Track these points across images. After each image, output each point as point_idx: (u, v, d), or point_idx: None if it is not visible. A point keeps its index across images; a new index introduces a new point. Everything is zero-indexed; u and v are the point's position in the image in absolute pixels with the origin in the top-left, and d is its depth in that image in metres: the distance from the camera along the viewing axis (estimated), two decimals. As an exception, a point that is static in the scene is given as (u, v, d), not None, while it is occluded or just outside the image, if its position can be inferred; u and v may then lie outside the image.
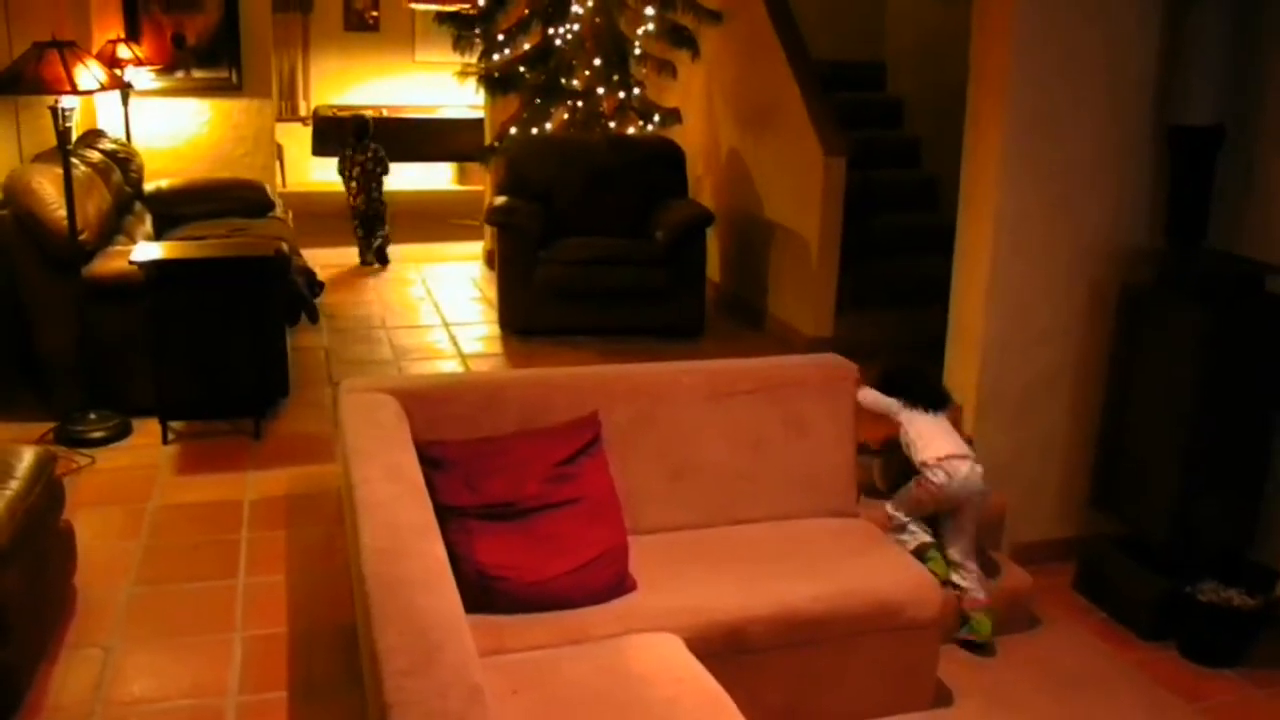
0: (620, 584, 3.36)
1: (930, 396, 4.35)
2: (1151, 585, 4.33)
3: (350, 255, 9.09)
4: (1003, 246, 4.61)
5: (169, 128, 8.78)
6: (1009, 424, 4.77)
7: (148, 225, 7.06)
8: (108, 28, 8.32)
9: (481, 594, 3.14)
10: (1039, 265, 4.66)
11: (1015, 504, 4.68)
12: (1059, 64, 4.50)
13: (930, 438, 4.16)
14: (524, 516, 3.34)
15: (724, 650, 3.26)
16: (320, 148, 11.69)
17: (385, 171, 9.05)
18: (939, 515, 4.14)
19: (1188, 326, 4.23)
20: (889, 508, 4.20)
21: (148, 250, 5.57)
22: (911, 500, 4.13)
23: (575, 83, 7.56)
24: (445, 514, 3.18)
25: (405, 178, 12.27)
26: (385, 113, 12.36)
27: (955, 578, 4.07)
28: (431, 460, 3.35)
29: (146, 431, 5.45)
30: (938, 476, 4.02)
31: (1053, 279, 4.69)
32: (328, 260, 8.66)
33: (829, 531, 3.87)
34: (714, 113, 7.97)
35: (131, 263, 5.35)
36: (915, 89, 7.77)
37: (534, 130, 7.61)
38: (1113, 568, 4.52)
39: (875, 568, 3.63)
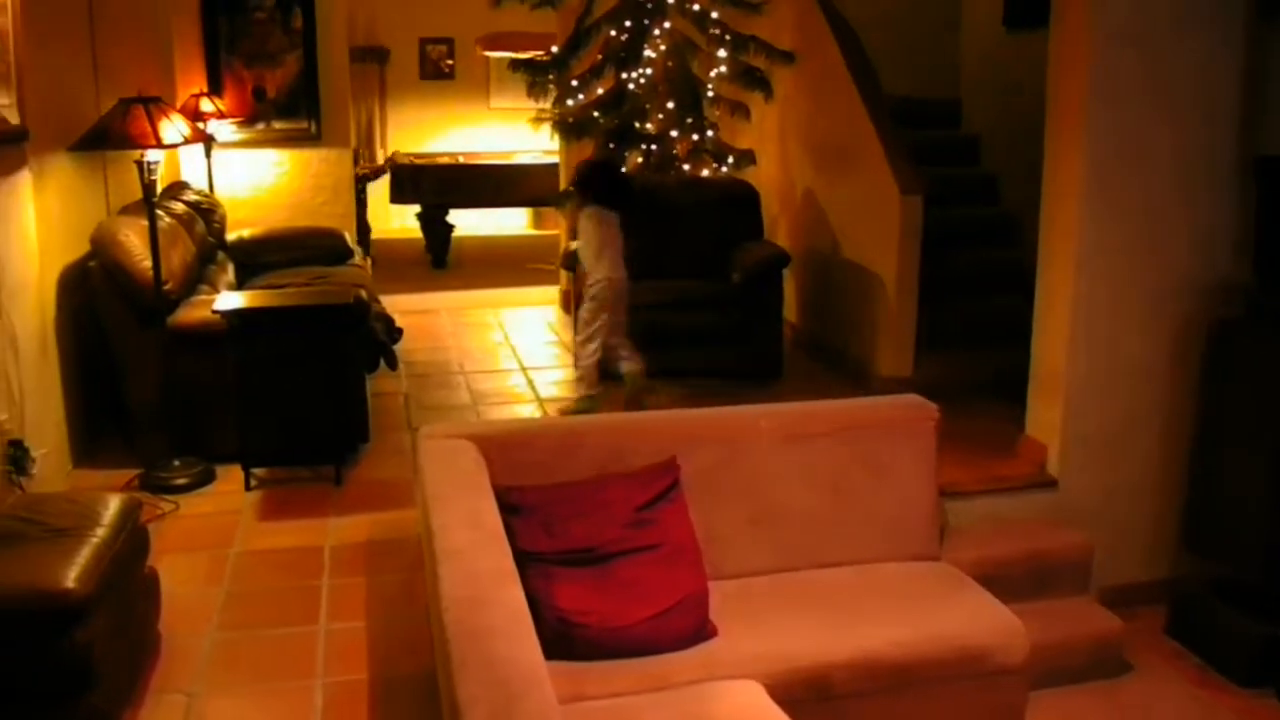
0: (701, 630, 3.33)
1: (618, 198, 5.72)
2: (1249, 630, 4.22)
3: (429, 301, 9.15)
4: (1085, 283, 4.54)
5: (250, 178, 8.93)
6: (1095, 465, 4.69)
7: (230, 274, 7.17)
8: (191, 82, 8.51)
9: (561, 641, 3.13)
10: (1123, 301, 4.58)
11: (1104, 546, 4.58)
12: (1138, 96, 4.45)
13: (598, 252, 5.69)
14: (604, 562, 3.32)
15: (806, 697, 3.21)
16: (398, 195, 11.82)
17: None
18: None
19: (1280, 362, 4.14)
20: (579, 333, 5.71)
21: (230, 299, 5.65)
22: (590, 314, 5.73)
23: (649, 126, 7.58)
24: (524, 560, 3.17)
25: (482, 223, 12.39)
26: (461, 159, 12.49)
27: (623, 363, 5.61)
28: (510, 506, 3.35)
29: (229, 478, 5.51)
30: (606, 294, 5.67)
31: (1137, 315, 4.61)
32: (407, 306, 8.74)
33: (911, 575, 3.81)
34: (788, 153, 7.95)
35: (214, 312, 5.43)
36: (991, 125, 7.70)
37: (609, 174, 7.62)
38: (1207, 612, 4.41)
39: (960, 612, 3.56)
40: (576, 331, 5.82)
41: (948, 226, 6.83)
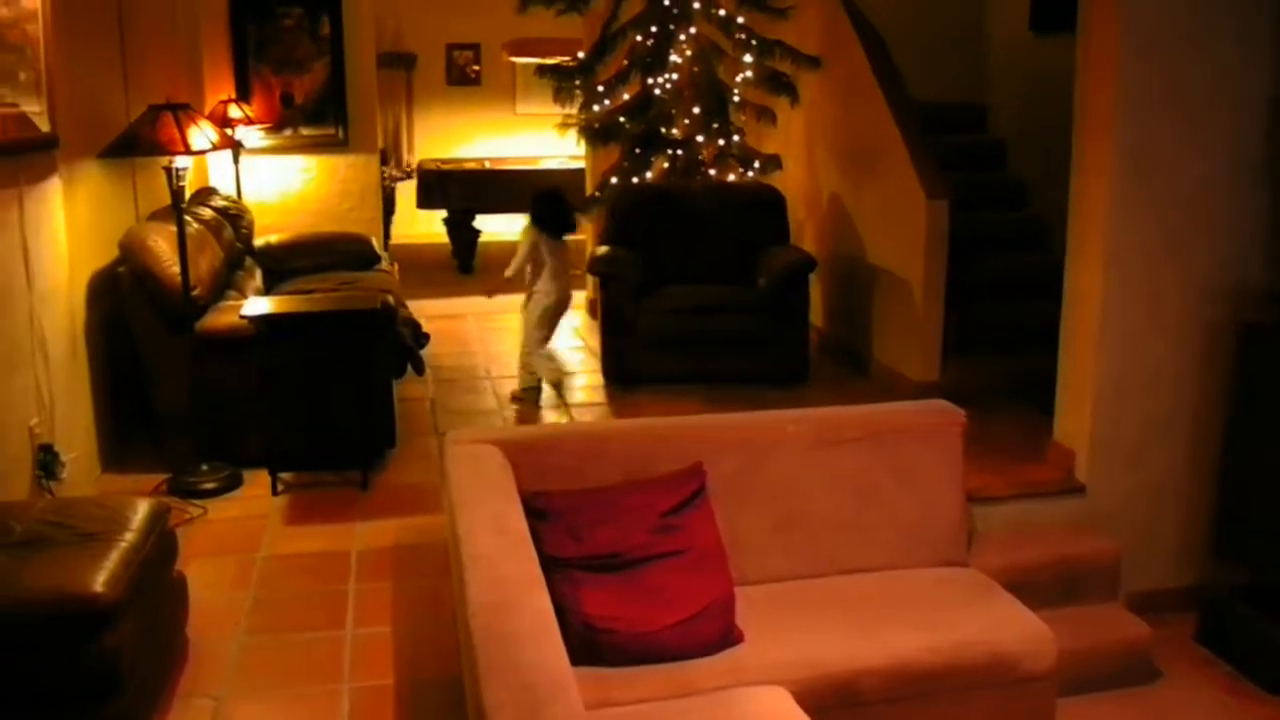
0: (727, 636, 3.32)
1: (556, 226, 6.69)
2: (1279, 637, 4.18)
3: (456, 306, 9.17)
4: (1113, 287, 4.52)
5: (278, 184, 8.98)
6: (1124, 469, 4.66)
7: (258, 280, 7.20)
8: (220, 89, 8.55)
9: (587, 646, 3.12)
10: (1151, 305, 4.55)
11: (1131, 551, 4.55)
12: (1166, 99, 4.42)
13: (553, 271, 6.67)
14: (630, 568, 3.31)
15: (834, 703, 3.20)
16: (424, 201, 11.86)
17: None
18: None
19: (1311, 367, 4.10)
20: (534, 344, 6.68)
21: (257, 305, 5.67)
22: (541, 323, 6.70)
23: (675, 132, 7.58)
24: (551, 565, 3.17)
25: (508, 228, 12.38)
26: (488, 165, 12.51)
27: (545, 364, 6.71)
28: (537, 511, 3.34)
29: (257, 483, 5.53)
30: (550, 298, 6.66)
31: (1166, 319, 4.58)
32: (434, 311, 8.76)
33: (939, 581, 3.79)
34: (814, 158, 7.93)
35: (242, 317, 5.45)
36: (1018, 130, 7.67)
37: (634, 179, 7.63)
38: (1237, 618, 4.37)
39: (989, 619, 3.54)
40: (524, 334, 6.85)
41: (974, 231, 6.81)
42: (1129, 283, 4.52)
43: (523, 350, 6.85)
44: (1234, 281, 4.59)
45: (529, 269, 6.75)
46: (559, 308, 6.81)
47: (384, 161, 11.50)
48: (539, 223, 6.70)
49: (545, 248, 6.68)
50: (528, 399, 6.76)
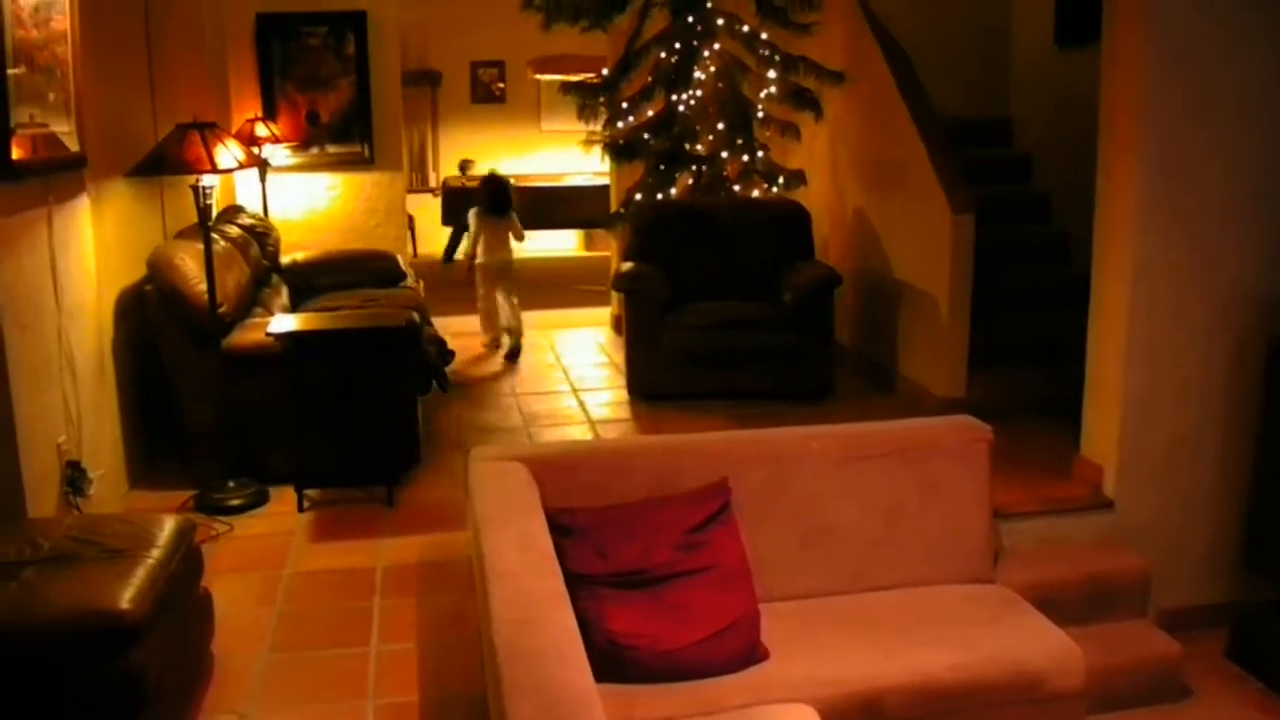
0: (752, 653, 3.31)
1: (494, 205, 8.41)
2: (1312, 654, 4.14)
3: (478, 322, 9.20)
4: (1140, 300, 4.49)
5: (304, 201, 9.01)
6: (1153, 483, 4.63)
7: (284, 297, 7.22)
8: (246, 108, 8.60)
9: (612, 663, 3.11)
10: (1179, 317, 4.52)
11: (1161, 566, 4.51)
12: (1191, 111, 4.40)
13: (484, 245, 8.46)
14: (655, 585, 3.30)
15: (860, 721, 3.18)
16: (450, 217, 11.90)
17: None
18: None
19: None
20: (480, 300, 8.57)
21: (284, 322, 5.69)
22: (480, 285, 8.55)
23: (699, 148, 7.59)
24: (576, 582, 3.16)
25: (533, 244, 12.42)
26: (513, 181, 12.55)
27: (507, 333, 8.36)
28: (562, 528, 3.34)
29: (283, 499, 5.54)
30: (482, 259, 8.42)
31: (1194, 331, 4.55)
32: (459, 328, 8.77)
33: (966, 598, 3.77)
34: (839, 173, 7.92)
35: (268, 335, 5.47)
36: (1043, 143, 7.65)
37: (659, 196, 7.64)
38: (1269, 635, 4.32)
39: (1016, 636, 3.51)
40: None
41: (1000, 245, 6.78)
42: (1156, 296, 4.49)
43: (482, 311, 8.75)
44: (1262, 293, 4.56)
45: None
46: (492, 269, 8.51)
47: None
48: (480, 203, 8.52)
49: (485, 224, 8.48)
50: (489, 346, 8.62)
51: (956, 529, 3.92)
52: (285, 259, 7.80)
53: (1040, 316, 6.70)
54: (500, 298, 8.51)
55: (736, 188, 7.60)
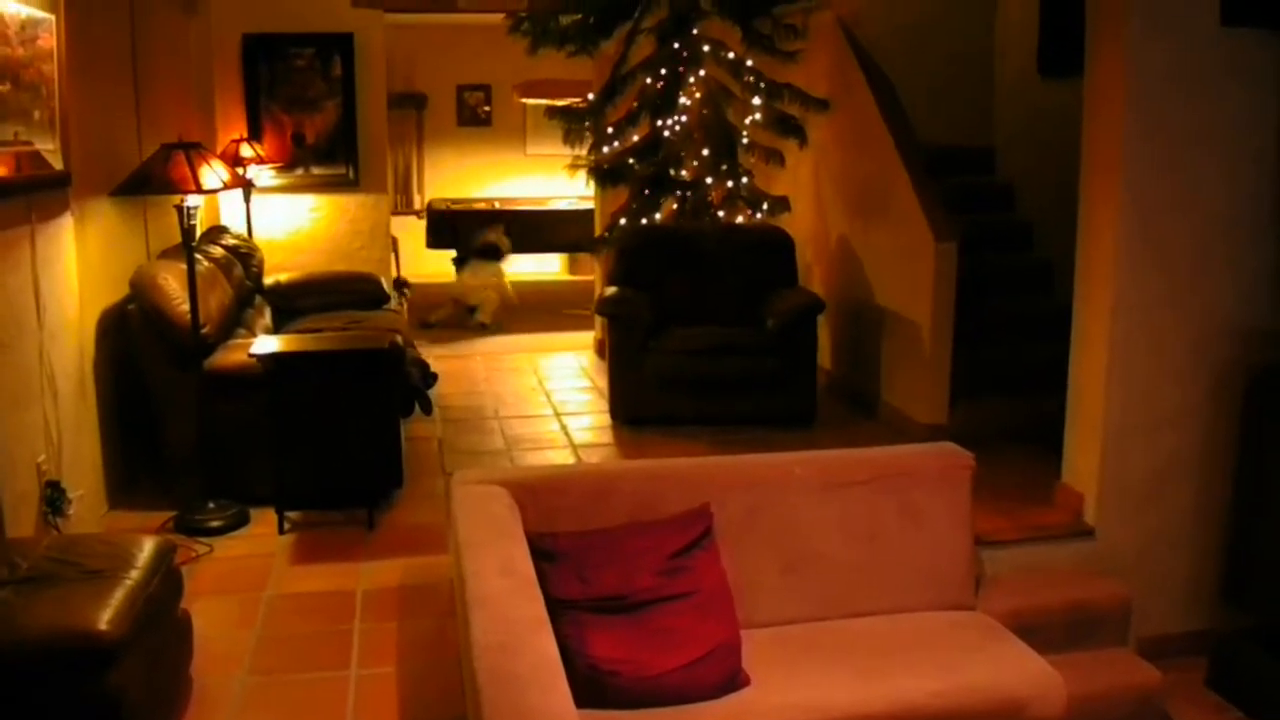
0: (733, 679, 3.30)
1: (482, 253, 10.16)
2: (1290, 683, 4.15)
3: (464, 346, 9.19)
4: (1121, 330, 4.51)
5: (288, 223, 8.99)
6: (1133, 513, 4.64)
7: (267, 318, 7.21)
8: (231, 128, 8.60)
9: (593, 689, 3.10)
10: (1160, 348, 4.55)
11: (1141, 595, 4.52)
12: (1175, 143, 4.43)
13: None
14: (636, 610, 3.30)
15: (841, 749, 3.17)
16: (434, 241, 11.89)
17: None
18: None
19: (1320, 412, 4.08)
20: None
21: (266, 343, 5.68)
22: None
23: (684, 173, 7.60)
24: (557, 607, 3.16)
25: (518, 267, 12.44)
26: (498, 205, 12.57)
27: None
28: (543, 553, 3.33)
29: (264, 521, 5.51)
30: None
31: (1175, 362, 4.57)
32: (442, 351, 8.76)
33: (947, 625, 3.77)
34: (823, 200, 7.95)
35: (251, 356, 5.46)
36: (1025, 173, 7.68)
37: (643, 220, 7.65)
38: (1249, 664, 4.34)
39: (996, 663, 3.52)
40: None
41: (982, 273, 6.81)
42: (1137, 325, 4.52)
43: None
44: (1246, 322, 4.59)
45: None
46: None
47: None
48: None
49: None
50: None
51: (938, 555, 3.92)
52: (268, 280, 7.80)
53: (1022, 345, 6.72)
54: None
55: (721, 213, 7.62)
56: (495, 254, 10.60)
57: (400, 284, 9.65)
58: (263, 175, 8.67)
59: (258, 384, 5.46)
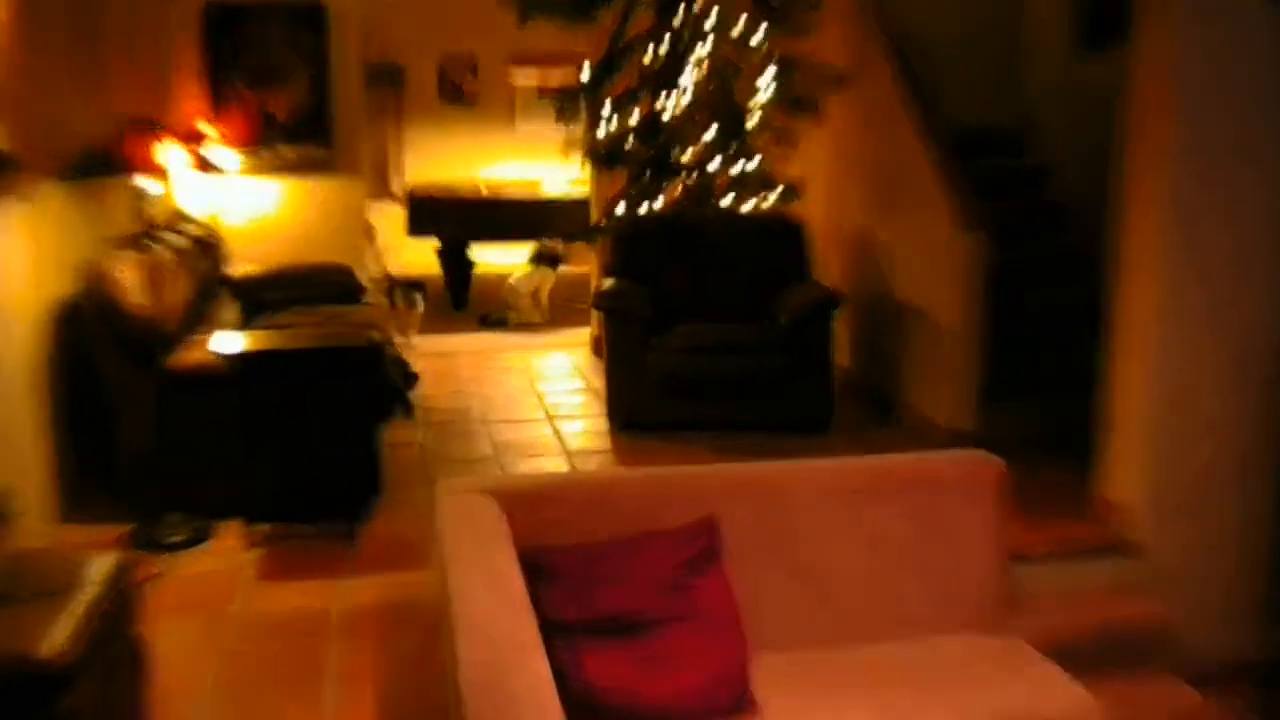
0: (740, 707, 3.31)
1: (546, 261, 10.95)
2: (1345, 710, 4.17)
3: (448, 343, 9.19)
4: (1165, 333, 4.54)
5: (254, 208, 8.99)
6: (1175, 527, 4.66)
7: (233, 313, 7.22)
8: (192, 106, 8.59)
9: (589, 715, 3.11)
10: (1205, 352, 4.57)
11: (1182, 613, 4.54)
12: (1224, 135, 4.44)
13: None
14: (635, 631, 3.31)
15: (858, 782, 3.18)
16: (416, 229, 11.89)
17: None
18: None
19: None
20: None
21: (231, 340, 5.68)
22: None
23: (687, 155, 7.61)
24: (550, 627, 3.16)
25: (507, 258, 12.45)
26: (484, 192, 12.57)
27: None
28: (535, 568, 3.34)
29: (229, 535, 5.52)
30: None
31: (1221, 366, 4.59)
32: (425, 349, 8.78)
33: (974, 649, 3.78)
34: (839, 185, 7.97)
35: (215, 353, 5.46)
36: (1059, 155, 7.70)
37: (643, 207, 7.66)
38: (1299, 690, 4.36)
39: (1029, 689, 3.53)
40: None
41: (1014, 263, 6.81)
42: (1181, 329, 4.54)
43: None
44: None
45: None
46: None
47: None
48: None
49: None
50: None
51: (965, 573, 3.93)
52: (234, 271, 7.80)
53: (1057, 341, 6.73)
54: None
55: (727, 200, 7.63)
56: (554, 262, 11.29)
57: (411, 286, 9.95)
58: (227, 157, 8.67)
59: (222, 384, 5.45)
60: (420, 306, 9.80)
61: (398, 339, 8.27)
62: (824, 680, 3.53)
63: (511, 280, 11.03)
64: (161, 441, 5.55)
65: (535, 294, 11.08)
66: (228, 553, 5.40)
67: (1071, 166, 7.44)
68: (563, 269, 11.47)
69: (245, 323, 7.11)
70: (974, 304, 6.26)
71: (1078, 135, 7.24)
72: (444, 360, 8.90)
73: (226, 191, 8.76)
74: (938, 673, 3.60)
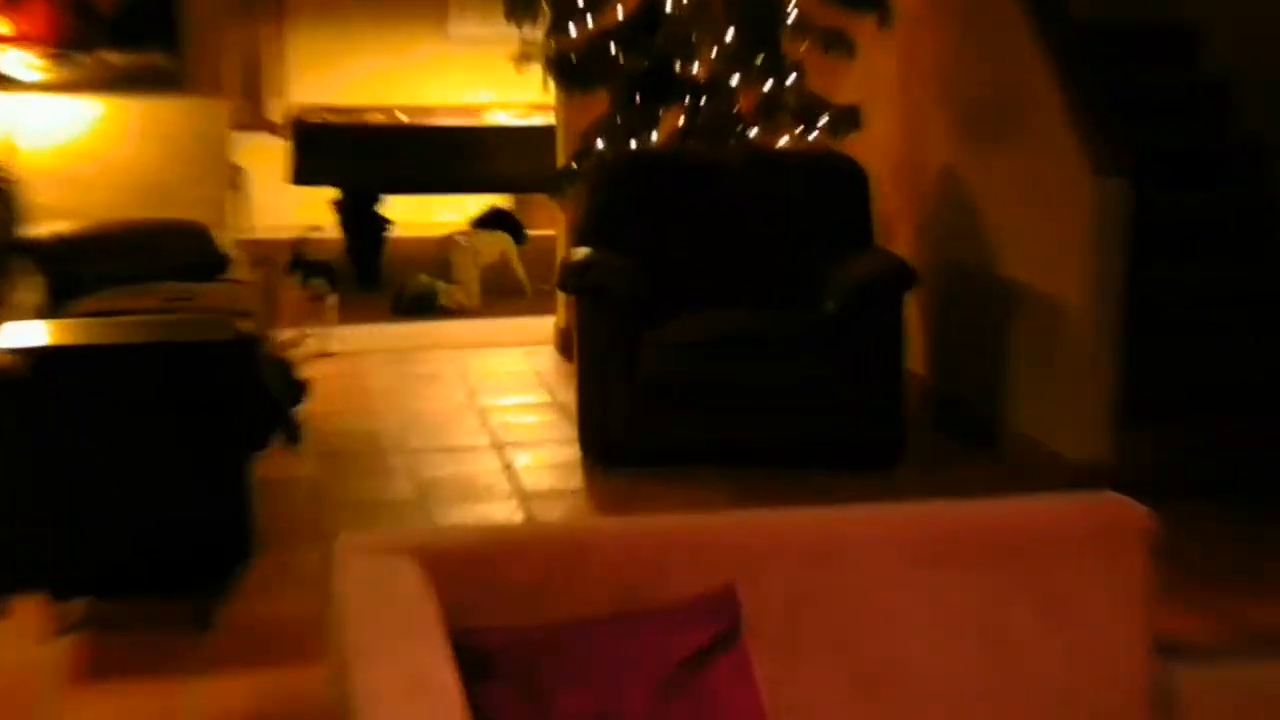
0: None
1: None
2: None
3: (350, 337, 9.22)
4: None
5: (66, 141, 8.97)
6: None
7: (34, 292, 7.20)
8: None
9: None
10: None
11: None
12: None
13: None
14: (617, 754, 3.33)
15: None
16: (304, 173, 11.87)
17: None
18: None
19: None
20: None
21: (26, 332, 5.66)
22: None
23: (695, 69, 7.62)
24: (495, 746, 3.18)
25: (434, 216, 12.48)
26: (402, 118, 12.57)
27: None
28: (474, 662, 3.36)
29: (25, 616, 5.50)
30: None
31: None
32: (316, 345, 8.79)
33: (1109, 780, 3.80)
34: (915, 111, 7.99)
35: (2, 350, 5.42)
36: (1246, 63, 7.67)
37: (632, 143, 7.67)
38: None
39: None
40: None
41: (1172, 225, 6.82)
42: None
43: None
44: None
45: None
46: None
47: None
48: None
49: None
50: None
51: (1094, 669, 3.95)
52: (38, 231, 7.78)
53: (1228, 336, 6.72)
54: None
55: (753, 132, 7.64)
56: (516, 230, 12.00)
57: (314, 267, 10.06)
58: (23, 63, 8.66)
59: (15, 395, 5.43)
60: (331, 298, 9.75)
61: (288, 336, 8.24)
62: (892, 823, 3.56)
63: (461, 239, 11.17)
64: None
65: (500, 267, 11.29)
66: (24, 643, 5.38)
67: (1267, 84, 7.43)
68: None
69: (53, 306, 7.10)
70: (1110, 283, 6.27)
71: (1276, 37, 7.24)
72: (344, 362, 8.91)
73: (24, 114, 8.75)
74: (1057, 814, 3.62)
